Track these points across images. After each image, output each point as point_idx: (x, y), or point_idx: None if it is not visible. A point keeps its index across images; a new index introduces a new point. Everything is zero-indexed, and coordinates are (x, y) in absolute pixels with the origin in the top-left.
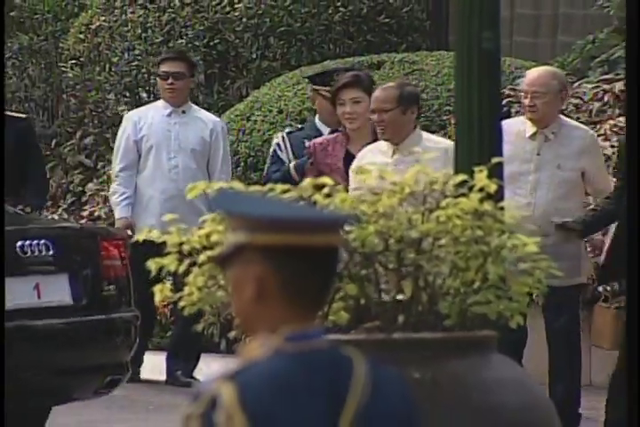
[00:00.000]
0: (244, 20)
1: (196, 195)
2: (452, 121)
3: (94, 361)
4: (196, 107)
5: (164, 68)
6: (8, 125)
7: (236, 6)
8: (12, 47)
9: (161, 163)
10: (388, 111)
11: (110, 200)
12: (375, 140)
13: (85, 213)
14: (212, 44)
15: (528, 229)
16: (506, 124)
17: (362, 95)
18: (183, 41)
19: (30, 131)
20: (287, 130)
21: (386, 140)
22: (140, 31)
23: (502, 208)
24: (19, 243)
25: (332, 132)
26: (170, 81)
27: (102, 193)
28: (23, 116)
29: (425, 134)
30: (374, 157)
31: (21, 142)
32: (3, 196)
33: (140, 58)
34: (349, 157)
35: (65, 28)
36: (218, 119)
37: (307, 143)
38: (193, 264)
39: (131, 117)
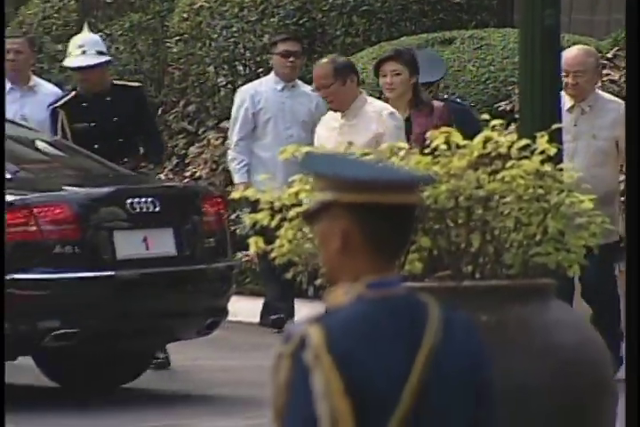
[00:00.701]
0: (330, 0)
1: (287, 157)
2: (517, 91)
3: (197, 305)
4: (300, 82)
5: (285, 46)
6: (125, 93)
7: None
8: (124, 25)
9: (279, 133)
10: (329, 86)
11: (230, 166)
12: (414, 107)
13: (188, 174)
14: (300, 22)
15: (584, 188)
16: None
17: (401, 68)
18: (275, 19)
19: (143, 97)
20: None
21: (335, 111)
22: (237, 10)
23: (561, 169)
24: (129, 200)
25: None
26: (291, 59)
27: (203, 156)
28: (137, 84)
29: (369, 99)
30: (328, 122)
31: (137, 107)
32: (3, 195)
33: (236, 35)
34: None
35: (170, 7)
36: (315, 93)
37: None
38: (283, 219)
39: (247, 91)
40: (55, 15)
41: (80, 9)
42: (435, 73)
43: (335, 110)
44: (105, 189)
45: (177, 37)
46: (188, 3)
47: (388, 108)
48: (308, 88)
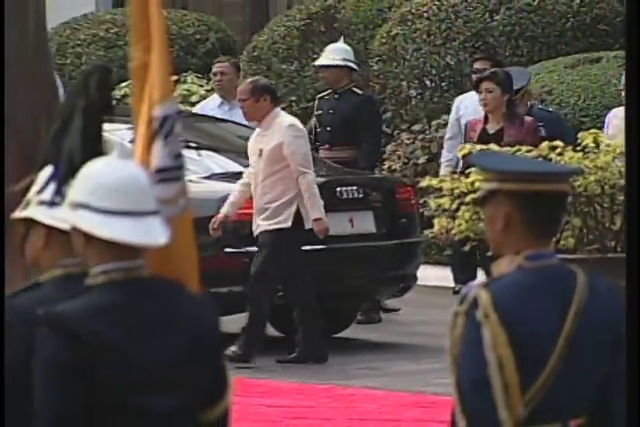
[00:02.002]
0: (501, 27)
1: (464, 154)
2: None
3: (392, 273)
4: None
5: (478, 65)
6: (355, 97)
7: (494, 18)
8: None
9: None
10: (246, 100)
11: (441, 161)
12: (507, 120)
13: (385, 167)
14: (476, 45)
15: None
16: None
17: (494, 86)
18: (456, 43)
19: (367, 105)
20: None
21: (250, 120)
22: (425, 36)
23: None
24: (337, 188)
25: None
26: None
27: (397, 153)
28: (360, 92)
29: (282, 114)
30: (256, 129)
31: (362, 113)
32: (3, 195)
33: (424, 56)
34: (485, 132)
35: (372, 34)
36: None
37: None
38: (461, 203)
39: (456, 102)
40: (281, 41)
41: (301, 36)
42: (520, 82)
43: (248, 120)
44: (320, 180)
45: (377, 58)
46: (386, 30)
47: (290, 121)
48: None
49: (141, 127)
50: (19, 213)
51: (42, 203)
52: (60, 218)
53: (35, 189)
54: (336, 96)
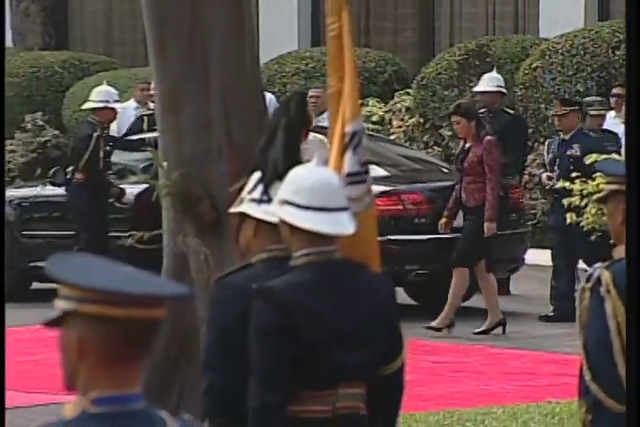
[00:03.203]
0: (621, 61)
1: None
2: None
3: (505, 256)
4: None
5: (617, 90)
6: (505, 117)
7: (616, 53)
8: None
9: None
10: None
11: None
12: (474, 140)
13: (526, 173)
14: (601, 75)
15: None
16: None
17: (459, 118)
18: (584, 73)
19: (515, 122)
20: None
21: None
22: (559, 67)
23: None
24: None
25: None
26: (617, 99)
27: (536, 161)
28: (512, 112)
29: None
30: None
31: (511, 131)
32: (3, 195)
33: (559, 83)
34: (462, 150)
35: (517, 66)
36: None
37: None
38: (588, 201)
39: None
40: (444, 72)
41: (460, 68)
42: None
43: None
44: (439, 183)
45: (521, 86)
46: (528, 63)
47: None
48: None
49: (335, 140)
50: (234, 209)
51: (252, 200)
52: (268, 212)
53: (246, 189)
54: (490, 115)
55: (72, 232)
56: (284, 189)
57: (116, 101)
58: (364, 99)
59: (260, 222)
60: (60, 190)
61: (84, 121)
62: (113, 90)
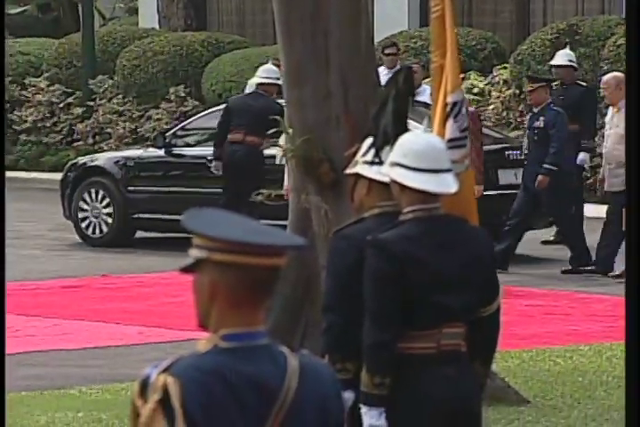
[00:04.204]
0: None
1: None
2: None
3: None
4: None
5: None
6: (573, 88)
7: None
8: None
9: None
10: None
11: None
12: None
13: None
14: None
15: None
16: None
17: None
18: None
19: (587, 93)
20: None
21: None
22: None
23: None
24: (506, 152)
25: None
26: None
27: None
28: (584, 84)
29: None
30: None
31: (584, 100)
32: (3, 196)
33: None
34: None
35: (603, 44)
36: None
37: None
38: None
39: None
40: (538, 49)
41: (552, 45)
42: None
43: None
44: (497, 146)
45: (606, 61)
46: (613, 41)
47: None
48: None
49: (438, 109)
50: (349, 170)
51: (365, 162)
52: (379, 173)
53: (360, 153)
54: (564, 86)
55: (171, 188)
56: (394, 153)
57: (277, 78)
58: (466, 73)
59: (372, 182)
60: (160, 152)
61: (221, 93)
62: (275, 68)
